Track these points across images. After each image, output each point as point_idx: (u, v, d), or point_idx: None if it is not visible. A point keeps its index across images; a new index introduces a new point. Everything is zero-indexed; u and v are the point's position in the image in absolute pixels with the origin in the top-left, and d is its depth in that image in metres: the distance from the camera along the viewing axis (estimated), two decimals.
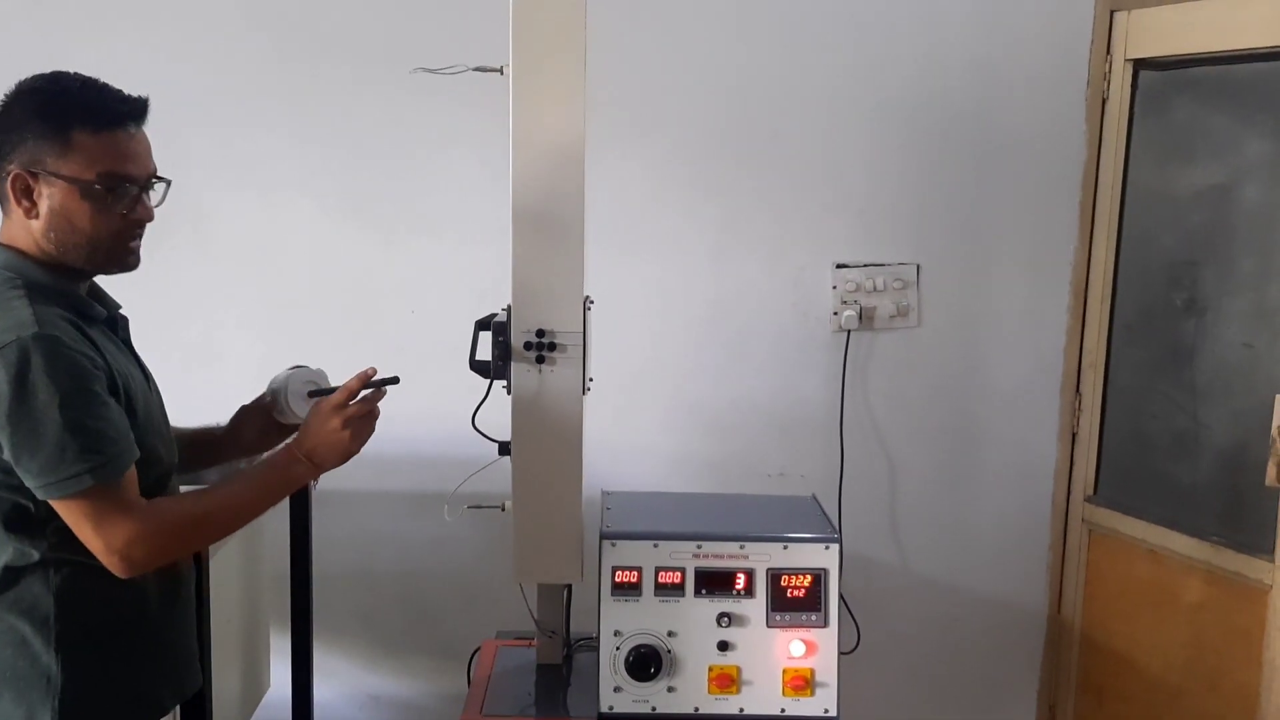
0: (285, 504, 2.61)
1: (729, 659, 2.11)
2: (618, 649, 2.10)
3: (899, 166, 3.02)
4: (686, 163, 2.98)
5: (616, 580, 2.11)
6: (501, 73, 2.03)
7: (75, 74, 1.73)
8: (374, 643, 3.13)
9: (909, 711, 3.19)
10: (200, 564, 2.10)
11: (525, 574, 2.17)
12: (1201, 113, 2.90)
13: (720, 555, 2.12)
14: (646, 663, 2.09)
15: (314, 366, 2.04)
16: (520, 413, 2.09)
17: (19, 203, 1.69)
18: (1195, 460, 2.88)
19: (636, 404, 3.00)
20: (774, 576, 2.12)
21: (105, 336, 1.76)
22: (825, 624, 2.11)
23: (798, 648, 2.11)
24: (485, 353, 2.10)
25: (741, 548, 2.13)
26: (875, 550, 3.14)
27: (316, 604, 2.69)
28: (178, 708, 2.12)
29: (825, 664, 2.11)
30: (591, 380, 2.15)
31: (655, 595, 2.11)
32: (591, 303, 2.14)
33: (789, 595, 2.11)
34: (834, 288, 3.04)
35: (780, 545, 2.13)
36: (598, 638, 2.13)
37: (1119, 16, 2.93)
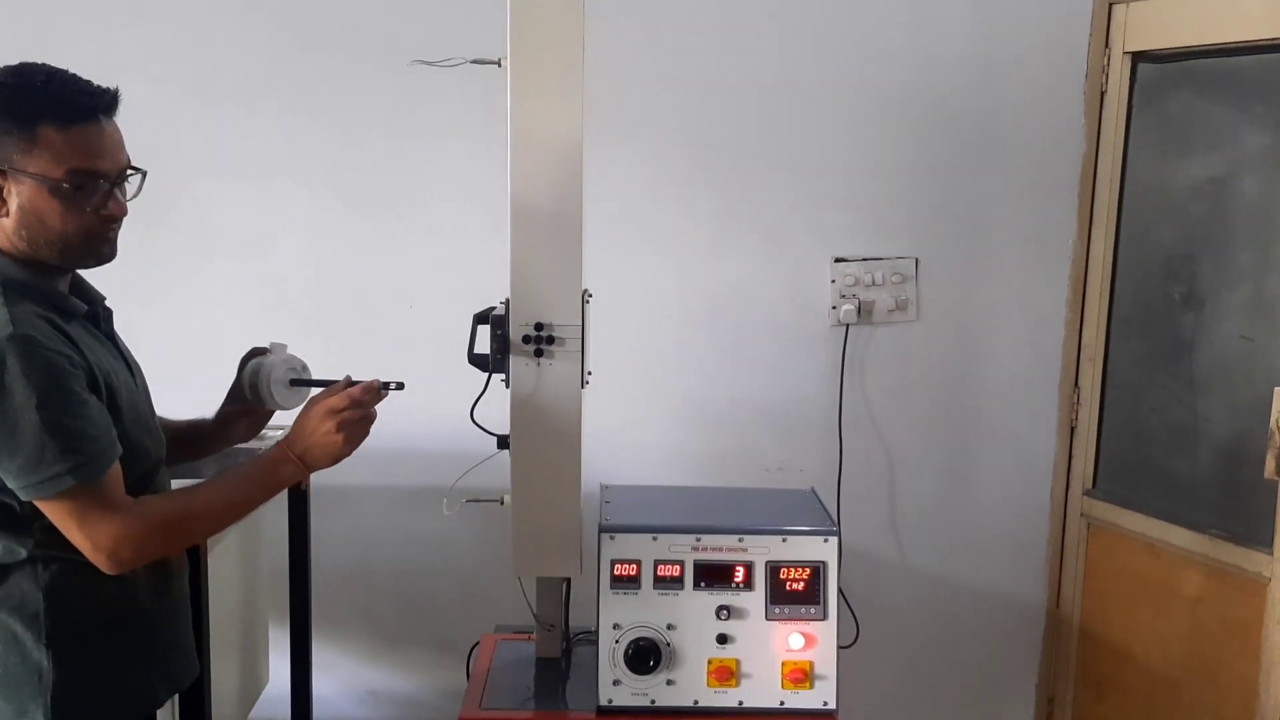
0: (284, 499, 2.62)
1: (728, 652, 2.11)
2: (617, 642, 2.10)
3: (897, 160, 3.02)
4: (685, 156, 2.98)
5: (615, 573, 2.12)
6: (499, 65, 2.02)
7: (43, 66, 1.67)
8: (373, 637, 3.13)
9: (908, 704, 3.19)
10: (198, 559, 2.10)
11: (524, 568, 2.17)
12: (1200, 105, 2.89)
13: (719, 548, 2.13)
14: (646, 656, 2.09)
15: (273, 343, 2.00)
16: (519, 406, 2.09)
17: None
18: (1194, 454, 2.88)
19: (635, 398, 2.99)
20: (773, 569, 2.12)
21: (85, 331, 1.74)
22: (824, 617, 2.12)
23: (797, 640, 2.11)
24: (484, 346, 2.10)
25: (740, 541, 2.13)
26: (874, 544, 3.14)
27: (315, 599, 2.69)
28: (178, 703, 2.13)
29: (824, 657, 2.11)
30: (590, 374, 2.15)
31: (654, 588, 2.12)
32: (590, 296, 2.14)
33: (788, 588, 2.12)
34: (832, 282, 3.04)
35: (779, 538, 2.13)
36: (597, 631, 2.13)
37: (1118, 9, 2.92)
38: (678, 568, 2.12)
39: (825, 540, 2.14)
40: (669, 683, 2.11)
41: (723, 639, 2.11)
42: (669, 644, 2.11)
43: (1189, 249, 2.91)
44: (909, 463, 3.13)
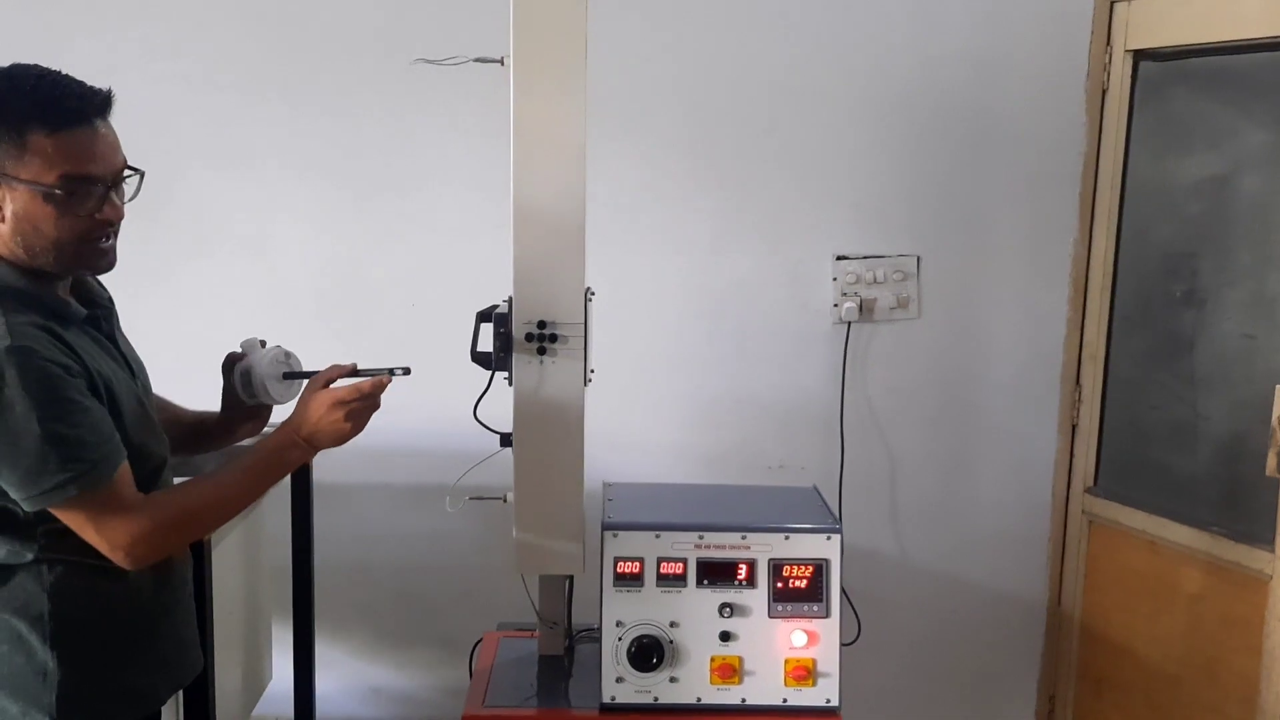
0: (287, 497, 2.62)
1: (731, 649, 2.12)
2: (620, 640, 2.11)
3: (899, 158, 3.02)
4: (687, 154, 2.98)
5: (618, 571, 2.12)
6: (502, 64, 2.02)
7: (34, 68, 1.65)
8: (376, 635, 3.14)
9: (910, 702, 3.20)
10: (201, 556, 2.10)
11: (527, 565, 2.17)
12: (1201, 103, 2.90)
13: (722, 546, 2.13)
14: (649, 653, 2.10)
15: (244, 342, 2.01)
16: (521, 404, 2.09)
17: None
18: (1195, 451, 2.88)
19: (638, 396, 3.00)
20: (776, 567, 2.12)
21: (85, 335, 1.73)
22: (827, 614, 2.12)
23: (799, 638, 2.11)
24: (486, 344, 2.10)
25: (743, 538, 2.13)
26: (876, 542, 3.14)
27: (318, 596, 2.70)
28: (182, 701, 2.13)
29: (827, 654, 2.12)
30: (593, 372, 2.15)
31: (657, 586, 2.12)
32: (593, 294, 2.14)
33: (791, 585, 2.12)
34: (834, 279, 3.04)
35: (782, 536, 2.14)
36: (600, 628, 2.14)
37: (1119, 7, 2.92)
38: (680, 565, 2.12)
39: (828, 538, 2.14)
40: (672, 680, 2.11)
41: (726, 636, 2.11)
42: (672, 641, 2.11)
43: (1190, 247, 2.91)
44: (910, 460, 3.13)
